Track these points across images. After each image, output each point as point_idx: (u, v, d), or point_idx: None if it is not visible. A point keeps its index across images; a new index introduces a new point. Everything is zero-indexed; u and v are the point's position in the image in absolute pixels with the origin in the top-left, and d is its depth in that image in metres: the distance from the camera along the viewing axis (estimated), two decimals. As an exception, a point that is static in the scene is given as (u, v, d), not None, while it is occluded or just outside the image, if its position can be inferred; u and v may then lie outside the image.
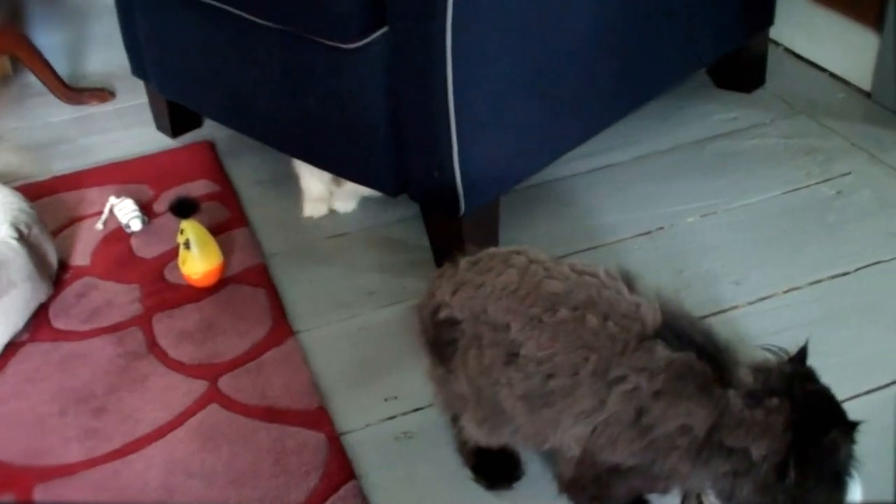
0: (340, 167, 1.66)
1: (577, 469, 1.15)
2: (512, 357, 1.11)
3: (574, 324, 1.09)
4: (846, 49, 2.11)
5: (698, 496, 1.18)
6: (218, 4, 1.62)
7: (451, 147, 1.47)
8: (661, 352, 1.06)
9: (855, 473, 1.11)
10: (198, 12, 1.69)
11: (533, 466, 1.29)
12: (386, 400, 1.43)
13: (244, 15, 1.59)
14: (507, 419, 1.15)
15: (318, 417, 1.38)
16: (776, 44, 2.25)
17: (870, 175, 1.83)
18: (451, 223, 1.56)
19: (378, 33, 1.44)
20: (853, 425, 1.04)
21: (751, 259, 1.64)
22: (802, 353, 1.09)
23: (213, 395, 1.43)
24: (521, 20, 1.48)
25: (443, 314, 1.18)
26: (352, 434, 1.37)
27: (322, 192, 1.82)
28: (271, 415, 1.39)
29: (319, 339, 1.54)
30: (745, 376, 1.06)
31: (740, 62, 2.10)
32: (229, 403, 1.42)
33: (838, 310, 1.52)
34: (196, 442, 1.36)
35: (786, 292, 1.57)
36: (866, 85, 2.07)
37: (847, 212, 1.74)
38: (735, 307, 1.54)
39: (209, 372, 1.47)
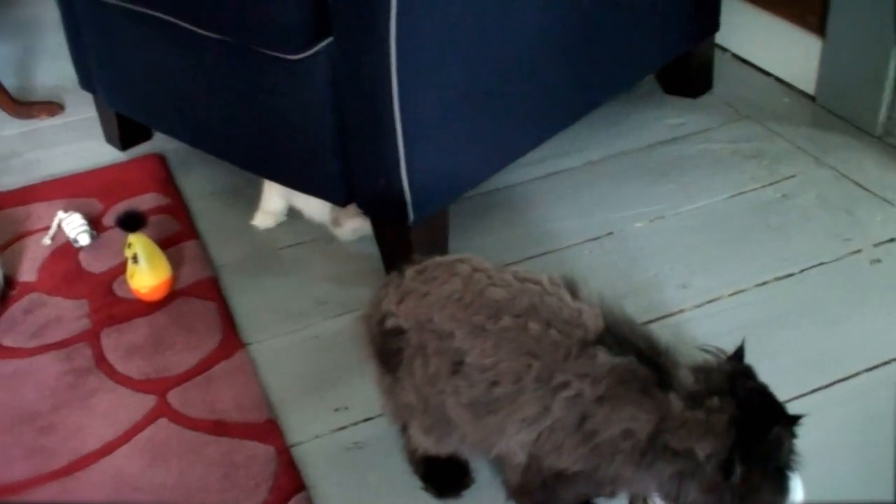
0: (289, 177, 1.66)
1: (523, 475, 1.16)
2: (457, 365, 1.12)
3: (517, 331, 1.09)
4: (791, 54, 2.14)
5: (645, 499, 1.19)
6: (163, 17, 1.61)
7: (397, 156, 1.47)
8: (603, 357, 1.07)
9: (796, 470, 1.13)
10: (143, 25, 1.69)
11: (482, 474, 1.30)
12: (336, 410, 1.43)
13: (189, 27, 1.59)
14: (453, 427, 1.15)
15: (268, 430, 1.38)
16: (723, 49, 2.28)
17: (814, 178, 1.86)
18: (400, 232, 1.57)
19: (323, 44, 1.44)
20: (795, 419, 1.05)
21: (697, 263, 1.66)
22: (740, 353, 1.11)
23: (162, 410, 1.42)
24: (467, 28, 1.49)
25: (389, 323, 1.19)
26: (302, 446, 1.37)
27: (278, 207, 1.82)
28: (220, 428, 1.39)
29: (270, 351, 1.54)
30: (686, 378, 1.08)
31: (687, 68, 2.12)
32: (178, 418, 1.41)
33: (783, 311, 1.55)
34: (144, 457, 1.35)
35: (731, 295, 1.59)
36: (810, 89, 2.10)
37: (791, 214, 1.76)
38: (682, 311, 1.56)
39: (158, 386, 1.46)
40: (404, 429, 1.28)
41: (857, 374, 1.42)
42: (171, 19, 1.61)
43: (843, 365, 1.43)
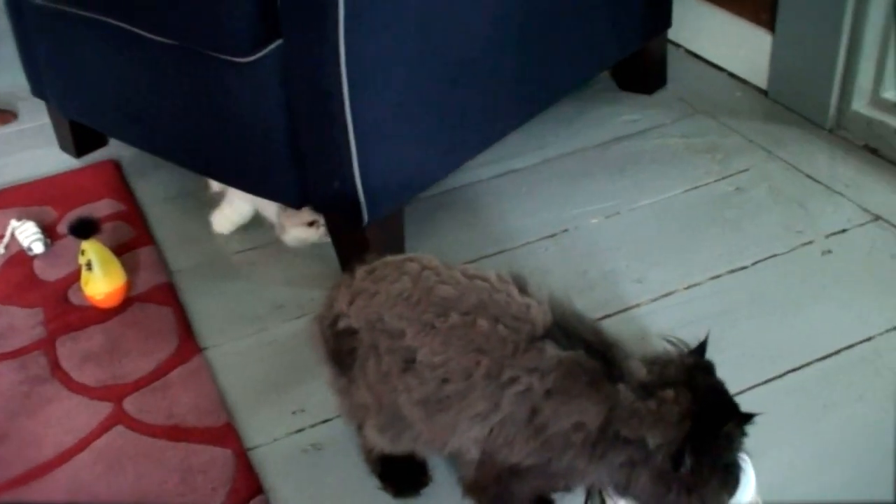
0: (242, 181, 1.65)
1: (477, 471, 1.16)
2: (408, 364, 1.12)
3: (465, 328, 1.10)
4: (742, 49, 2.16)
5: (601, 493, 1.20)
6: (113, 22, 1.61)
7: (350, 157, 1.47)
8: (552, 351, 1.08)
9: (747, 466, 1.14)
10: (94, 31, 1.67)
11: (439, 471, 1.30)
12: (294, 413, 1.42)
13: (139, 32, 1.58)
14: (407, 425, 1.16)
15: (225, 434, 1.37)
16: (676, 45, 2.30)
17: (766, 171, 1.88)
18: (355, 233, 1.57)
19: (272, 46, 1.44)
20: (748, 417, 1.07)
21: (652, 257, 1.67)
22: (702, 347, 1.12)
23: (119, 417, 1.42)
24: (417, 27, 1.49)
25: (341, 324, 1.19)
26: (260, 449, 1.37)
27: (244, 211, 1.81)
28: (178, 433, 1.38)
29: (227, 355, 1.53)
30: (637, 370, 1.08)
31: (641, 64, 2.14)
32: (135, 424, 1.40)
33: (737, 303, 1.56)
34: (100, 465, 1.34)
35: (686, 288, 1.60)
36: (762, 83, 2.13)
37: (745, 207, 1.78)
38: (637, 305, 1.57)
39: (114, 393, 1.45)
40: (360, 429, 1.28)
41: (811, 363, 1.43)
42: (121, 24, 1.60)
43: (797, 355, 1.44)
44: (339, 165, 1.49)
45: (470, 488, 1.20)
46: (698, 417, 1.04)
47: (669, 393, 1.06)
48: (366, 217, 1.53)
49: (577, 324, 1.12)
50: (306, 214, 1.69)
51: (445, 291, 1.13)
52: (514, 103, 1.77)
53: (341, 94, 1.42)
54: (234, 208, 1.80)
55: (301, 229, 1.71)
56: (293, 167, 1.55)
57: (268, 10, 1.41)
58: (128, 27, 1.59)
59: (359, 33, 1.38)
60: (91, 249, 1.59)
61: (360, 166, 1.49)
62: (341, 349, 1.19)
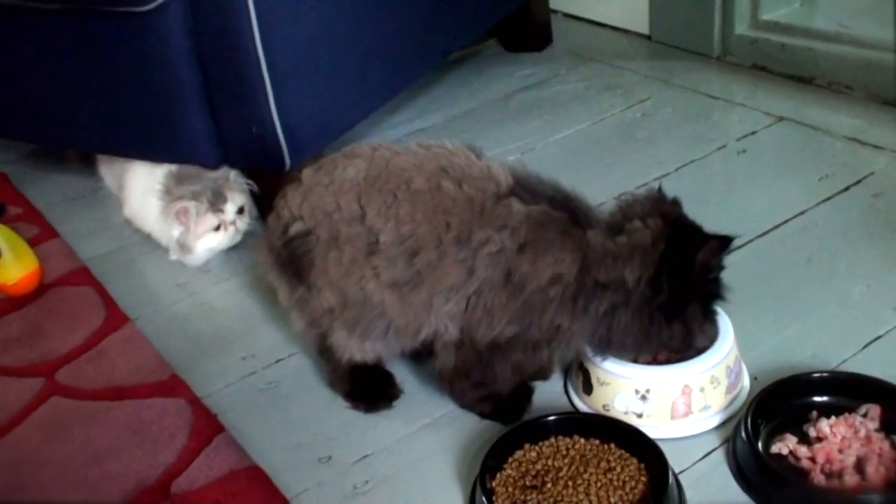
0: (153, 149, 1.58)
1: (457, 356, 1.12)
2: (372, 246, 1.07)
3: (430, 193, 1.06)
4: (621, 3, 2.22)
5: (581, 365, 1.17)
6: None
7: (266, 98, 1.43)
8: (518, 207, 1.06)
9: (724, 318, 1.14)
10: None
11: (410, 384, 1.25)
12: (244, 358, 1.35)
13: (22, 3, 1.50)
14: (378, 315, 1.10)
15: (174, 385, 1.29)
16: (554, 11, 2.34)
17: (667, 97, 1.92)
18: (279, 182, 1.51)
19: (173, -11, 1.40)
20: (726, 239, 1.05)
21: (579, 176, 1.63)
22: (661, 191, 1.11)
23: (53, 389, 1.31)
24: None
25: (293, 230, 1.13)
26: (213, 395, 1.28)
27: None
28: (122, 393, 1.29)
29: (160, 321, 1.45)
30: (601, 215, 1.07)
31: (527, 26, 2.18)
32: (73, 392, 1.30)
33: (668, 203, 1.57)
34: (41, 434, 1.24)
35: (616, 198, 1.59)
36: (645, 30, 2.18)
37: (654, 127, 1.81)
38: (573, 217, 1.57)
39: (44, 369, 1.35)
40: (324, 342, 1.19)
41: (753, 239, 1.45)
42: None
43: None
44: (257, 109, 1.45)
45: (451, 377, 1.15)
46: (671, 238, 1.03)
47: (637, 223, 1.05)
48: (288, 161, 1.49)
49: (538, 181, 1.10)
50: (210, 219, 1.51)
51: (404, 162, 1.09)
52: (414, 50, 1.76)
53: (252, 33, 1.39)
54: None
55: (209, 237, 1.52)
56: (207, 121, 1.49)
57: (166, -54, 1.37)
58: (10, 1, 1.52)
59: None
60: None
61: (278, 107, 1.44)
62: (295, 256, 1.13)
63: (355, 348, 1.15)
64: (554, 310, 1.05)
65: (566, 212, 1.07)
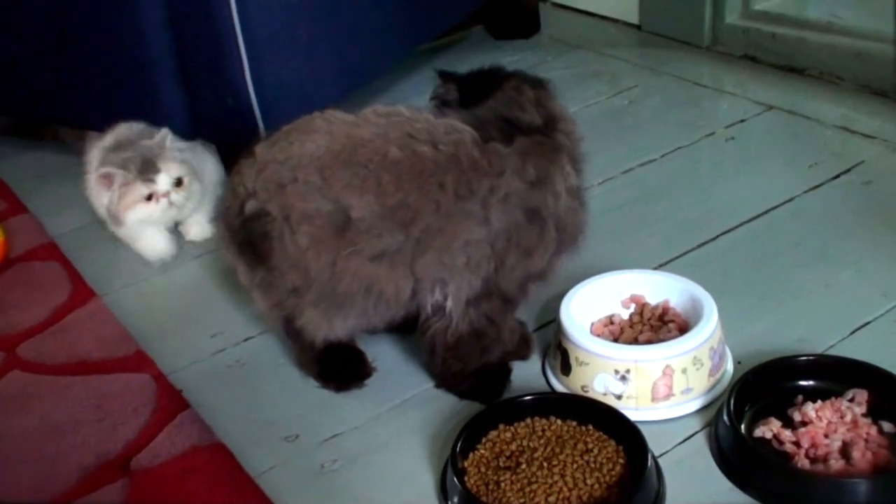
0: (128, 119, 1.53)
1: (475, 313, 1.07)
2: (342, 222, 1.01)
3: (409, 160, 1.02)
4: (609, -9, 2.19)
5: (560, 345, 1.13)
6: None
7: (241, 68, 1.40)
8: (502, 149, 1.04)
9: (710, 302, 1.11)
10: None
11: (384, 362, 1.21)
12: (213, 336, 1.30)
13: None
14: (356, 290, 1.04)
15: (139, 361, 1.24)
16: (543, 0, 2.31)
17: (655, 84, 1.88)
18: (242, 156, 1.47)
19: (147, -46, 1.36)
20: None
21: (561, 162, 1.63)
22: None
23: (13, 363, 1.27)
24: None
25: (249, 208, 1.06)
26: (179, 372, 1.24)
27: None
28: (85, 368, 1.25)
29: (127, 298, 1.40)
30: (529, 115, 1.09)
31: (514, 14, 2.14)
32: (33, 367, 1.26)
33: (653, 188, 1.54)
34: (-1, 409, 1.19)
35: (601, 183, 1.57)
36: (634, 20, 2.15)
37: (641, 114, 1.78)
38: (556, 201, 1.53)
39: (4, 343, 1.31)
40: (291, 324, 1.13)
41: (740, 224, 1.41)
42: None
43: (725, 221, 1.42)
44: (231, 80, 1.41)
45: (454, 344, 1.09)
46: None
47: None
48: (263, 135, 1.44)
49: (482, 114, 1.08)
50: (138, 188, 1.40)
51: (367, 133, 1.05)
52: (396, 30, 1.72)
53: (228, 2, 1.35)
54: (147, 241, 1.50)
55: (139, 208, 1.41)
56: (181, 92, 1.46)
57: None
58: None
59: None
60: (-38, 206, 1.44)
61: (254, 78, 1.41)
62: (253, 235, 1.07)
63: (326, 326, 1.10)
64: (581, 216, 1.09)
65: (531, 131, 1.07)
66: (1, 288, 1.43)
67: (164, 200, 1.41)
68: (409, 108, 1.09)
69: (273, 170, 1.06)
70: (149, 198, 1.41)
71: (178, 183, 1.42)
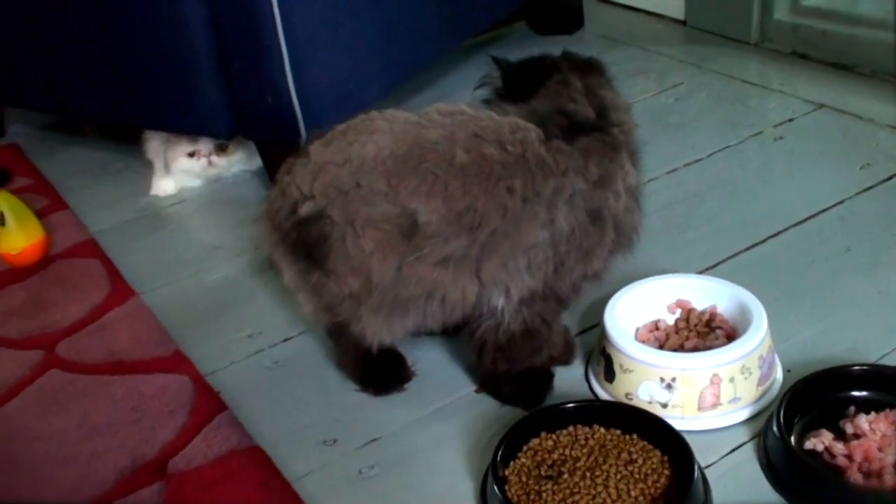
0: (167, 119, 1.53)
1: (529, 312, 1.05)
2: (409, 227, 0.99)
3: (477, 164, 0.99)
4: (655, -14, 2.15)
5: (604, 351, 1.10)
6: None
7: (282, 66, 1.38)
8: (564, 147, 1.01)
9: (760, 309, 1.08)
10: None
11: (422, 368, 1.19)
12: (250, 336, 1.29)
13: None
14: (421, 294, 1.02)
15: (177, 361, 1.24)
16: (586, -5, 2.28)
17: (701, 82, 1.85)
18: (292, 153, 1.46)
19: (188, -49, 1.35)
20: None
21: (605, 161, 1.61)
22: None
23: (52, 362, 1.26)
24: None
25: (304, 210, 1.03)
26: (217, 373, 1.23)
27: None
28: (122, 368, 1.24)
29: (167, 296, 1.40)
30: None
31: (557, 10, 2.11)
32: (72, 366, 1.25)
33: (697, 190, 1.51)
34: (38, 407, 1.19)
35: (646, 183, 1.53)
36: (680, 15, 2.11)
37: (688, 112, 1.74)
38: (599, 201, 1.50)
39: (43, 341, 1.30)
40: (340, 328, 1.11)
41: (788, 228, 1.38)
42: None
43: (773, 223, 1.39)
44: (271, 78, 1.39)
45: (504, 344, 1.07)
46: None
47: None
48: (304, 133, 1.43)
49: (546, 112, 1.05)
50: (184, 144, 1.61)
51: (433, 135, 1.02)
52: (438, 25, 1.70)
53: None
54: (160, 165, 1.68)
55: (182, 160, 1.62)
56: (221, 91, 1.44)
57: None
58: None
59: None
60: (3, 202, 1.44)
61: (295, 77, 1.39)
62: (308, 239, 1.04)
63: (385, 331, 1.07)
64: (636, 216, 1.08)
65: (589, 128, 1.04)
66: (41, 285, 1.43)
67: (204, 160, 1.61)
68: (472, 105, 1.06)
69: (332, 172, 1.03)
70: (192, 154, 1.61)
71: (223, 148, 1.60)
